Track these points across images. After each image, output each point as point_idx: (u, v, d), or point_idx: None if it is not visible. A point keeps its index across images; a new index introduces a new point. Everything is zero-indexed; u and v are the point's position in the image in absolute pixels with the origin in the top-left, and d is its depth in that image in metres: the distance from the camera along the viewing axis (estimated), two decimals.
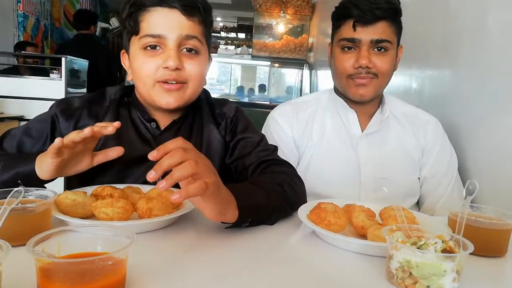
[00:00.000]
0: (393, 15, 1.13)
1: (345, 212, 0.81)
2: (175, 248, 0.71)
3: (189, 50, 0.91)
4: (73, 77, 3.67)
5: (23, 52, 4.08)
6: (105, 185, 0.83)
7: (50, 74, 3.61)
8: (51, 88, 3.47)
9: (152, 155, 0.61)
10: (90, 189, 0.85)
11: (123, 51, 1.00)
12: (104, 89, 1.04)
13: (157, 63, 0.89)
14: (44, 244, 0.52)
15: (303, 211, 0.82)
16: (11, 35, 5.12)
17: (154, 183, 0.63)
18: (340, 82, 1.20)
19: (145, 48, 0.90)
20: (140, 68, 0.91)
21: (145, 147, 0.96)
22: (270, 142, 1.09)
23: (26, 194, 0.72)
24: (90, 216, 0.76)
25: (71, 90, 3.58)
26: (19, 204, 0.66)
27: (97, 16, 4.74)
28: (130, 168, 0.97)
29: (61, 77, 3.50)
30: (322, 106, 1.29)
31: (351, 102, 1.22)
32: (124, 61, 1.00)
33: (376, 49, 1.13)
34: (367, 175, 1.18)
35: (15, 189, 0.56)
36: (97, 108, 0.99)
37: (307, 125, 1.26)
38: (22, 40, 5.04)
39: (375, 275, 0.65)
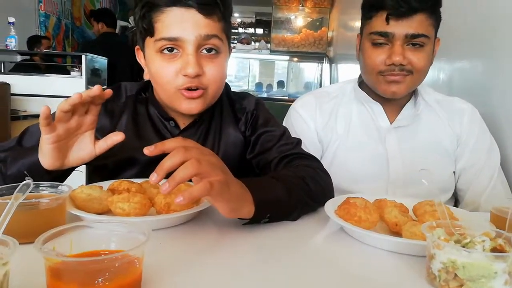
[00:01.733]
0: (433, 6, 1.02)
1: (376, 208, 0.75)
2: (194, 245, 0.66)
3: (209, 50, 0.85)
4: (93, 75, 3.70)
5: (44, 50, 4.13)
6: (122, 179, 0.80)
7: (71, 72, 3.65)
8: (72, 85, 3.50)
9: (148, 150, 0.58)
10: (107, 184, 0.81)
11: (137, 47, 0.95)
12: (119, 84, 1.00)
13: (175, 68, 0.83)
14: (55, 241, 0.48)
15: (330, 206, 0.77)
16: (33, 34, 5.21)
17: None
18: (370, 79, 1.11)
19: (161, 51, 0.84)
20: (158, 73, 0.85)
21: None
22: (292, 134, 1.04)
23: (40, 188, 0.69)
24: (107, 212, 0.73)
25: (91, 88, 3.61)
26: (33, 199, 0.63)
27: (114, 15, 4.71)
28: (150, 167, 0.92)
29: (81, 74, 3.53)
30: (346, 97, 1.21)
31: (378, 96, 1.13)
32: (140, 58, 0.95)
33: (411, 45, 1.02)
34: (396, 170, 1.11)
35: (23, 182, 0.53)
36: (113, 105, 0.95)
37: (331, 117, 1.19)
38: None
39: (413, 276, 0.59)
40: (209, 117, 0.99)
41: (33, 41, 4.35)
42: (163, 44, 0.83)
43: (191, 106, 0.87)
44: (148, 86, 0.99)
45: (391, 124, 1.14)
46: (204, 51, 0.85)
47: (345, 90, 1.23)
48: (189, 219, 0.75)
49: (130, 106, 0.96)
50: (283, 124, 1.18)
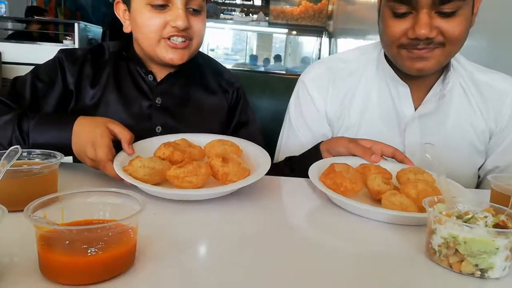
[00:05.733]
0: None
1: (360, 175, 0.75)
2: (192, 218, 0.65)
3: (194, 9, 0.93)
4: (86, 44, 3.61)
5: (36, 17, 4.01)
6: (166, 144, 0.79)
7: (63, 40, 3.56)
8: None
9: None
10: (145, 144, 0.84)
11: (117, 0, 0.97)
12: (101, 43, 1.05)
13: (165, 20, 0.90)
14: (46, 209, 0.47)
15: (314, 172, 0.76)
16: (24, 1, 5.04)
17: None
18: (390, 52, 0.91)
19: (152, 4, 0.90)
20: (146, 24, 0.91)
21: (142, 98, 0.98)
22: (298, 113, 1.05)
23: (31, 155, 0.67)
24: (164, 181, 0.73)
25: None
26: (24, 166, 0.61)
27: None
28: (130, 119, 0.96)
29: (74, 43, 3.45)
30: (368, 73, 1.00)
31: (403, 72, 0.93)
32: (119, 11, 0.98)
33: (440, 12, 0.81)
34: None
35: (10, 148, 0.51)
36: (98, 59, 1.01)
37: (346, 97, 1.01)
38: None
39: (410, 249, 0.58)
40: (190, 77, 1.04)
41: (33, 11, 4.22)
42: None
43: (174, 56, 0.93)
44: (129, 44, 1.02)
45: (415, 110, 0.96)
46: (191, 9, 0.93)
47: (368, 62, 1.01)
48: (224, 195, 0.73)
49: (112, 62, 1.01)
50: (292, 97, 1.10)
